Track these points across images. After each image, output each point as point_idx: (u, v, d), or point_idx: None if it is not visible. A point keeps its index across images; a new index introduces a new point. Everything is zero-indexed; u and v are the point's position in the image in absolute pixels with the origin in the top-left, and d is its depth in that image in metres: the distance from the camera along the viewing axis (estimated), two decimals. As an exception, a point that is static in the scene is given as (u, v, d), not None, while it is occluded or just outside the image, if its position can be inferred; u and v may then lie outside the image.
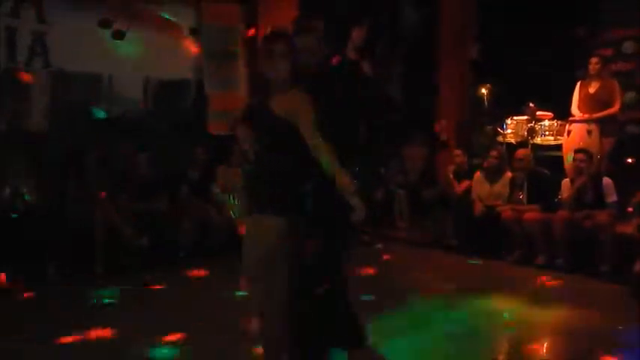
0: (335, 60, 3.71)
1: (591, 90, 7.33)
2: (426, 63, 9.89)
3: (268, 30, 3.36)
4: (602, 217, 6.26)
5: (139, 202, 6.87)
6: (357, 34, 3.76)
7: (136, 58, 7.91)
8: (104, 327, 4.56)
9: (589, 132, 7.23)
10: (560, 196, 6.72)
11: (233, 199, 6.96)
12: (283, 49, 3.22)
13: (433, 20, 9.99)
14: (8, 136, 7.04)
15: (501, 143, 8.15)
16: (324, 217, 3.33)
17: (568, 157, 7.14)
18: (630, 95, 8.22)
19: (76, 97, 7.68)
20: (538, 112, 7.88)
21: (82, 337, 4.43)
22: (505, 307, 5.12)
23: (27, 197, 6.22)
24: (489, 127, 8.60)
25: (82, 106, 7.70)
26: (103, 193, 6.39)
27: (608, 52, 8.54)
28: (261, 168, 3.32)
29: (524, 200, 6.94)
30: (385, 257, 6.95)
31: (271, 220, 3.19)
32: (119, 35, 7.62)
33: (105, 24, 7.58)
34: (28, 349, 4.27)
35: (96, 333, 4.47)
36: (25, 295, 5.54)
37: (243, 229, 3.46)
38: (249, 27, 8.57)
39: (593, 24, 8.93)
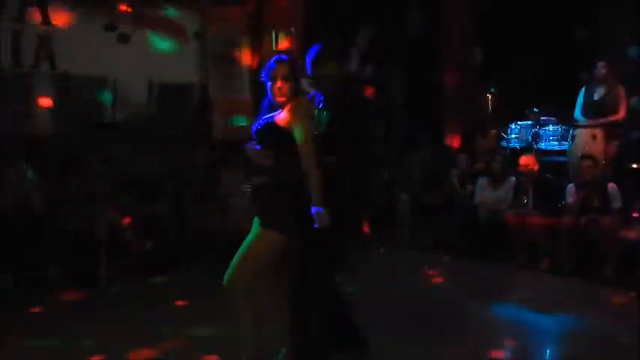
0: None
1: (596, 95, 7.31)
2: (430, 66, 9.88)
3: (272, 53, 3.45)
4: (606, 222, 6.24)
5: (142, 205, 6.86)
6: (362, 38, 3.79)
7: (141, 62, 7.92)
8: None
9: (593, 137, 7.21)
10: (564, 202, 6.70)
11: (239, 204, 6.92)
12: (285, 73, 3.32)
13: (436, 23, 9.98)
14: (13, 139, 7.03)
15: (505, 148, 8.14)
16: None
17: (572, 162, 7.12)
18: (635, 100, 8.18)
19: (81, 101, 7.69)
20: (542, 117, 7.88)
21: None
22: (509, 312, 5.12)
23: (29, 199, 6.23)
24: (493, 132, 8.58)
25: (87, 109, 7.71)
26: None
27: (613, 55, 8.50)
28: (269, 181, 3.37)
29: (529, 205, 6.91)
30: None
31: (275, 236, 3.30)
32: (123, 39, 7.63)
33: (110, 28, 7.59)
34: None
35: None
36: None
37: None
38: (253, 31, 8.59)
39: (597, 27, 8.90)
